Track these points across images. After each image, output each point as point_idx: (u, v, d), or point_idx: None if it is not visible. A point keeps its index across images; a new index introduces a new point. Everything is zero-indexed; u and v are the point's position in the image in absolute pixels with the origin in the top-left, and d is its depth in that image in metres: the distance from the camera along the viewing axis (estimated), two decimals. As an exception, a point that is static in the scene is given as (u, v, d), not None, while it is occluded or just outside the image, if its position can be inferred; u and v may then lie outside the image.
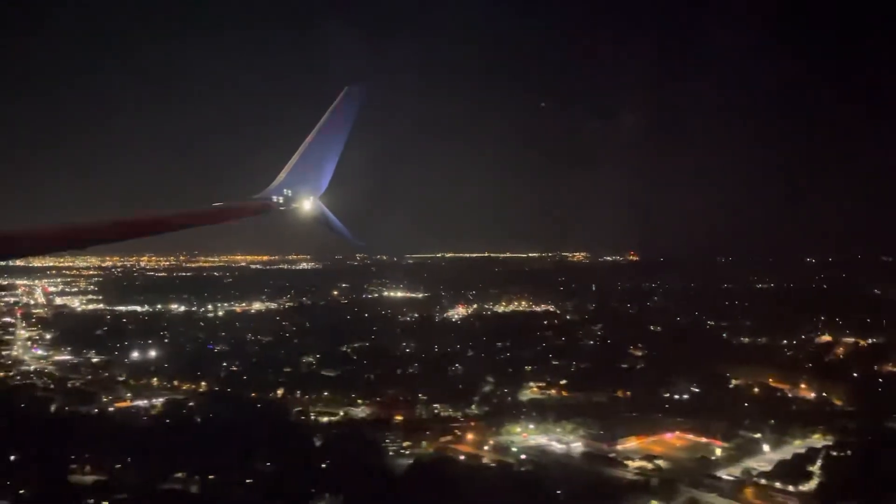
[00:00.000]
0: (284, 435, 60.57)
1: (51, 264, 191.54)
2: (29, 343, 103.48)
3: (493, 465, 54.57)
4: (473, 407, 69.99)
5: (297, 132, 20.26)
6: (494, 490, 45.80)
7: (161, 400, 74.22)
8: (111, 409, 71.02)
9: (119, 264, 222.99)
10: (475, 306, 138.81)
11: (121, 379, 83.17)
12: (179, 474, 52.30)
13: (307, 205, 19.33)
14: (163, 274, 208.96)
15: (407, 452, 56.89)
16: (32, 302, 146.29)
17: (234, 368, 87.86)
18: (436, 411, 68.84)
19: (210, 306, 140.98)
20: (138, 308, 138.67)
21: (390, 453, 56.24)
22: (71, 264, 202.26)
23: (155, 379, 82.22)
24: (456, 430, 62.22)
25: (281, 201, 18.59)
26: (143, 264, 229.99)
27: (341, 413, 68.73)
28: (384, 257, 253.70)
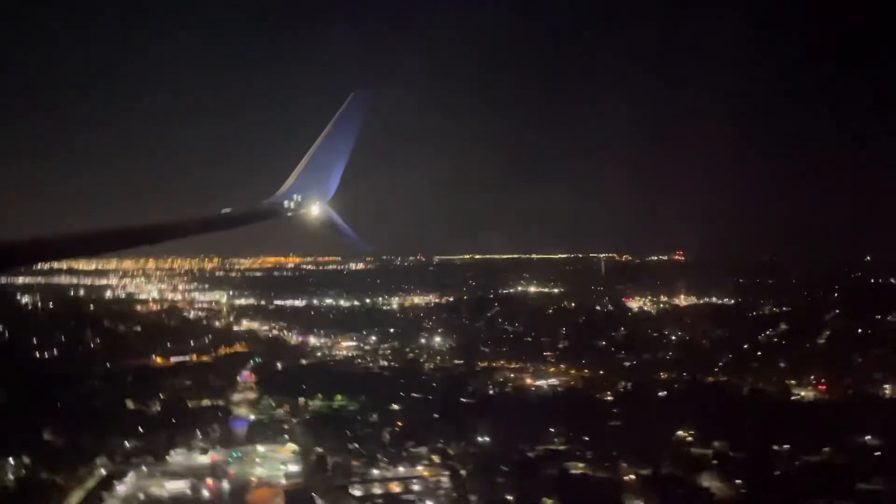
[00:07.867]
0: (805, 413, 59.39)
1: (94, 267, 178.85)
2: (286, 332, 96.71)
3: None
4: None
5: (305, 138, 20.75)
6: None
7: (553, 381, 71.31)
8: (531, 388, 68.08)
9: (166, 266, 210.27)
10: (643, 300, 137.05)
11: (458, 362, 79.34)
12: (778, 446, 50.47)
13: (315, 210, 19.59)
14: (234, 274, 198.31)
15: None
16: (177, 298, 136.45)
17: (548, 353, 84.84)
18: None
19: (368, 301, 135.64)
20: (299, 303, 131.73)
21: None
22: (116, 266, 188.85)
23: (501, 361, 79.04)
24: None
25: (289, 207, 18.74)
26: (183, 266, 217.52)
27: (800, 393, 67.18)
28: (422, 258, 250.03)
